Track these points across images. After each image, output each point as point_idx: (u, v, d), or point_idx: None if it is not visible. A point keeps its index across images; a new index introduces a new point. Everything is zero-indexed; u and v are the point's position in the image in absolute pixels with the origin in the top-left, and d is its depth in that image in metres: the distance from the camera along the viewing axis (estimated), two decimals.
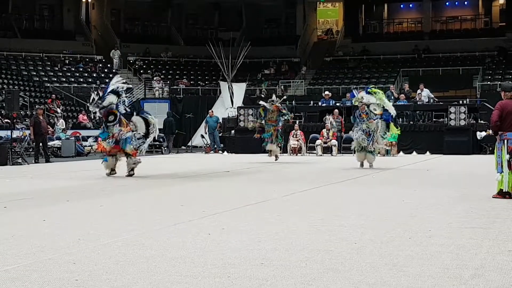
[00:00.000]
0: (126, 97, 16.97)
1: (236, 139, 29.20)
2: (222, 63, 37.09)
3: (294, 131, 26.68)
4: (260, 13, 48.04)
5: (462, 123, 26.39)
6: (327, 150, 26.37)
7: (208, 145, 30.13)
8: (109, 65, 42.04)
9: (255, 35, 44.98)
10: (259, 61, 43.88)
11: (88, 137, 29.16)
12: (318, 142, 26.45)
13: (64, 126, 30.12)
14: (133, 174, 15.64)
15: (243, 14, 47.75)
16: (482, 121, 27.06)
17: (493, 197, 10.28)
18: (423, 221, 8.07)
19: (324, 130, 26.85)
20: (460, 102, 28.32)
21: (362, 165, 18.27)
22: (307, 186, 12.91)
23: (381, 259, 5.82)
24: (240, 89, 36.31)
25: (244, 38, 42.35)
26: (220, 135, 30.42)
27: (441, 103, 28.93)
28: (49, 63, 40.72)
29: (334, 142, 26.27)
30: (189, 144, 32.72)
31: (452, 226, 7.71)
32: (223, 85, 36.76)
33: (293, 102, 31.21)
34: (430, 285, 4.91)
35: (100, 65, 42.03)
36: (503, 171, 10.17)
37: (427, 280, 5.04)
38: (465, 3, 45.64)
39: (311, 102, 31.78)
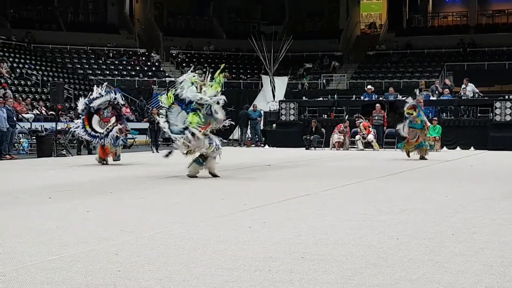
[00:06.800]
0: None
1: (277, 132, 29.19)
2: (264, 57, 37.11)
3: (343, 126, 26.16)
4: (303, 7, 47.88)
5: (508, 118, 25.91)
6: (368, 145, 25.89)
7: (249, 139, 30.21)
8: (151, 59, 42.45)
9: (297, 29, 44.81)
10: (301, 54, 43.75)
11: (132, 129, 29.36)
12: (357, 137, 26.03)
13: None
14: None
15: (286, 8, 47.66)
16: None
17: None
18: (467, 217, 7.96)
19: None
20: (506, 97, 27.80)
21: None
22: (348, 180, 12.83)
23: (424, 255, 5.75)
24: (281, 82, 36.31)
25: (286, 32, 42.27)
26: (261, 128, 30.47)
27: (486, 98, 28.47)
28: (93, 56, 41.27)
29: (370, 137, 25.69)
30: (230, 137, 32.79)
31: (496, 222, 7.59)
32: (265, 79, 36.78)
33: (335, 96, 31.03)
34: (474, 282, 4.83)
35: (143, 58, 42.42)
36: None
37: (470, 277, 4.96)
38: None
39: (353, 96, 31.55)
